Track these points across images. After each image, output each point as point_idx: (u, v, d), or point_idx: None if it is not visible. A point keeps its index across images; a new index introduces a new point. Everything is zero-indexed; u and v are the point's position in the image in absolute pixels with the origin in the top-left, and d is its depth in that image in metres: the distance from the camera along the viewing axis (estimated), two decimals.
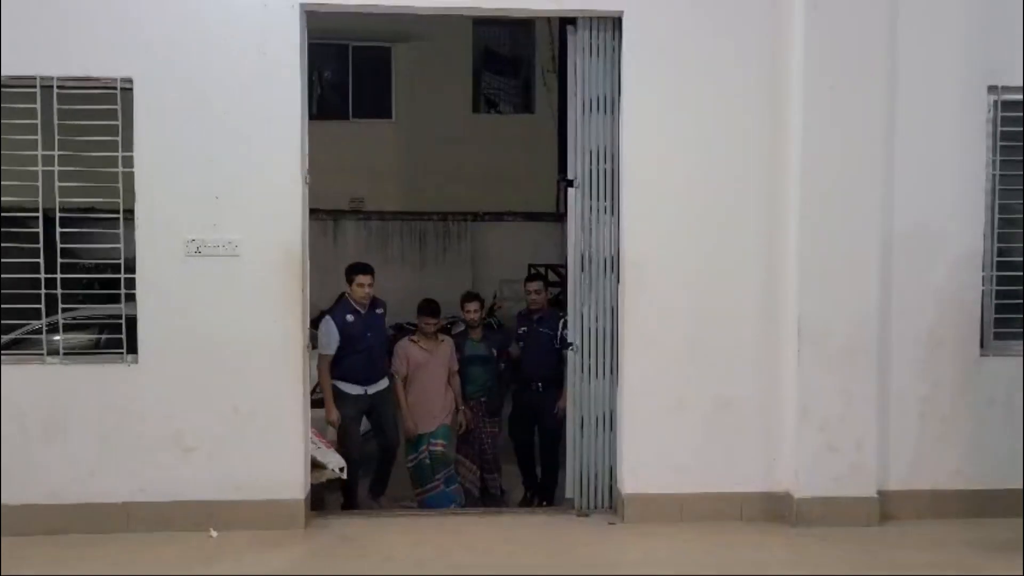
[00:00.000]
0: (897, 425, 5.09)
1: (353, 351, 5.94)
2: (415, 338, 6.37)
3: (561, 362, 5.99)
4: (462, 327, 6.85)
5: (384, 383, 6.17)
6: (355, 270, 6.08)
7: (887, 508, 5.01)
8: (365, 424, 6.28)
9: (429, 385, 6.24)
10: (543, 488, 6.50)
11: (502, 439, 6.67)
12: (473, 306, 6.60)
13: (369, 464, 6.22)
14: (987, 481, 5.12)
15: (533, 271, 10.77)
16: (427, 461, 6.16)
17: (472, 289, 8.11)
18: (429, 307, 6.40)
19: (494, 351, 6.58)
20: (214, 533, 4.77)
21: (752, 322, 5.05)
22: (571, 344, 5.28)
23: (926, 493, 5.11)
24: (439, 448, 6.22)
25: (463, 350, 6.46)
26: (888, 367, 5.05)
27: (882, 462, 5.03)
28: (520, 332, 6.61)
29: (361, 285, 5.99)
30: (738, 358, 5.05)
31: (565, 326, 5.88)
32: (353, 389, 6.00)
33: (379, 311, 6.18)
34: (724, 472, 5.06)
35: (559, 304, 7.23)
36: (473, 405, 6.48)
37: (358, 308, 6.00)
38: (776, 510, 5.03)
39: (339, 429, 5.89)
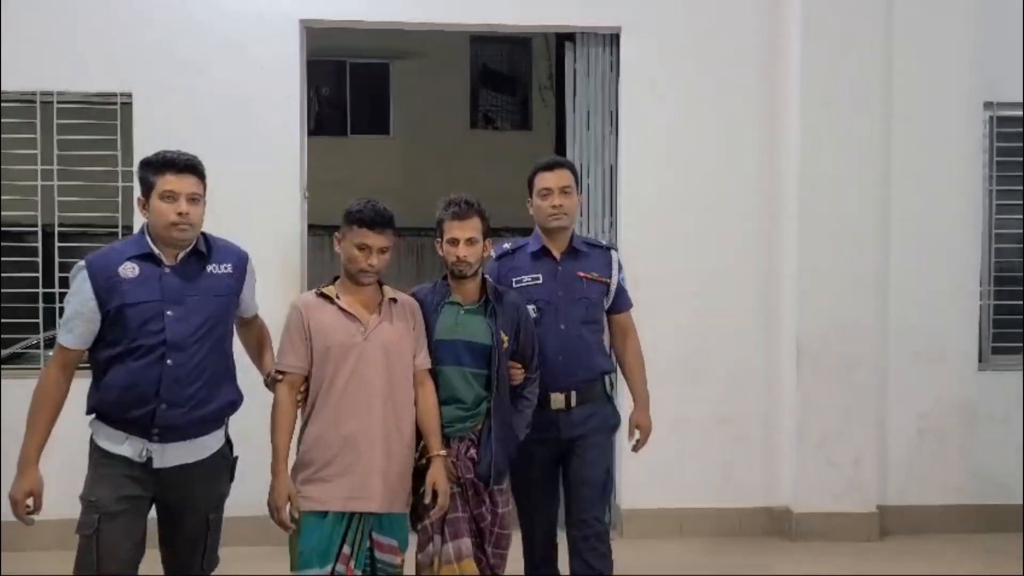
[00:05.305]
0: (896, 440, 5.10)
1: (128, 351, 2.68)
2: (329, 289, 3.06)
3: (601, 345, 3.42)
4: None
5: (213, 446, 2.87)
6: (160, 163, 2.79)
7: (886, 523, 5.00)
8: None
9: (361, 401, 2.87)
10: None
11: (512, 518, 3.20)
12: (469, 225, 3.17)
13: None
14: (986, 496, 5.13)
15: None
16: None
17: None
18: (376, 211, 3.05)
19: (503, 334, 3.07)
20: None
21: (751, 337, 5.05)
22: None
23: (925, 508, 5.10)
24: (388, 558, 2.92)
25: (434, 326, 3.08)
26: (886, 382, 5.06)
27: (881, 477, 5.03)
28: (531, 280, 3.31)
29: (170, 197, 2.67)
30: (737, 373, 5.05)
31: (621, 269, 3.48)
32: (119, 446, 2.83)
33: (221, 268, 2.83)
34: (723, 487, 5.05)
35: None
36: (459, 450, 3.02)
37: (156, 251, 2.71)
38: (775, 525, 5.02)
39: (82, 539, 2.94)
